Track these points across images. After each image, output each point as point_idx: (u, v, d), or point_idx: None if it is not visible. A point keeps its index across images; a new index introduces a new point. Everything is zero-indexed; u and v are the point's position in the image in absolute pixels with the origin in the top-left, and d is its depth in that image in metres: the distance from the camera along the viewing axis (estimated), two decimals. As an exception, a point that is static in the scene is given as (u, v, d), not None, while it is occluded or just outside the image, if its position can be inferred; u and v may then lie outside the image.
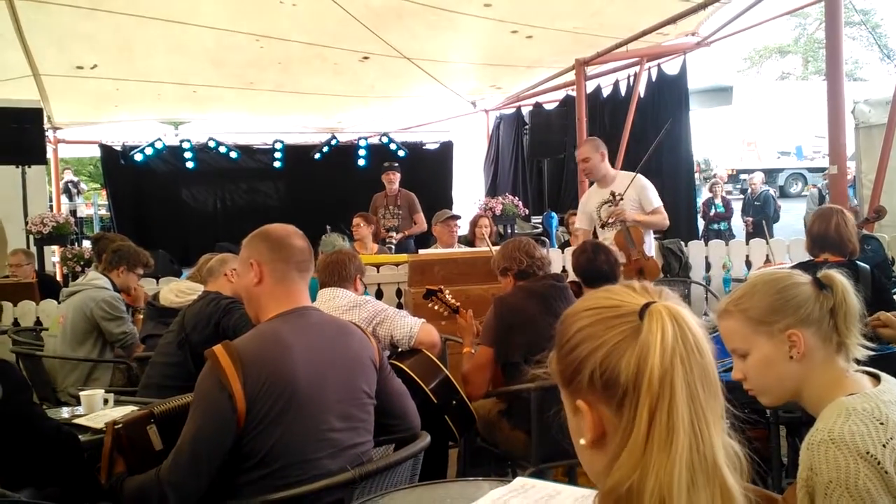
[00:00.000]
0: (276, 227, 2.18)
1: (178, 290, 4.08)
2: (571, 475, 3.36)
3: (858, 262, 3.24)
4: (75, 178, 14.84)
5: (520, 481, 1.70)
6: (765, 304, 1.55)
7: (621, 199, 4.67)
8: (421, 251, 5.79)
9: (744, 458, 0.93)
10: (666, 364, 0.87)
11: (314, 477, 1.95)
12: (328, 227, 4.86)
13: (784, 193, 19.18)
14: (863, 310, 1.56)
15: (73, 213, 12.83)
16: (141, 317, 4.51)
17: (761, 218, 11.00)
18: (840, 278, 1.52)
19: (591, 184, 5.16)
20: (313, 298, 3.24)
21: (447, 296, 3.61)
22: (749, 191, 12.78)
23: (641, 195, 4.77)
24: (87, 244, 11.49)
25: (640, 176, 4.81)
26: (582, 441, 0.96)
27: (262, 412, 1.90)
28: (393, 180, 7.46)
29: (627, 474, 0.86)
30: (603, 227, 4.86)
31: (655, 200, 4.78)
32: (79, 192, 14.69)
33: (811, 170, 19.59)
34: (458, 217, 6.46)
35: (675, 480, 0.84)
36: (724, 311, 1.61)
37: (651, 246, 4.99)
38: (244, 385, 1.88)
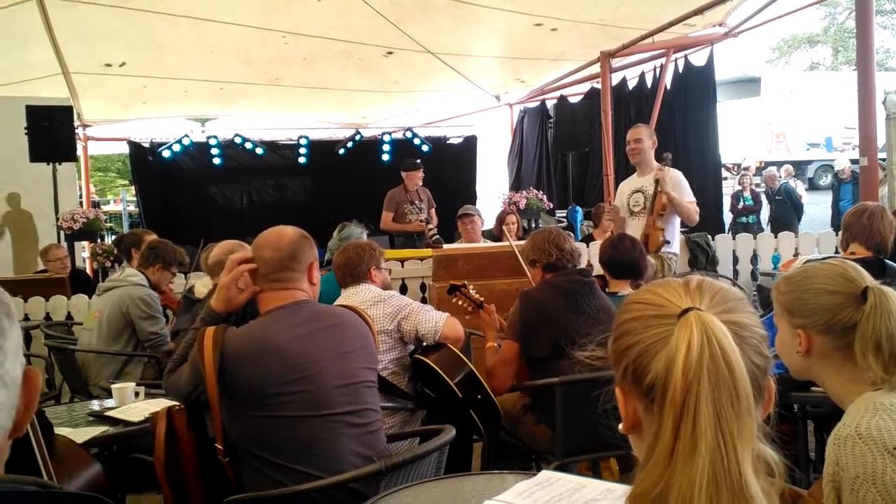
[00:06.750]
0: (261, 237, 2.28)
1: (211, 284, 4.11)
2: (596, 469, 3.36)
3: (887, 261, 3.18)
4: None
5: (545, 475, 1.71)
6: (790, 298, 1.60)
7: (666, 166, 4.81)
8: (445, 246, 5.80)
9: (780, 465, 0.91)
10: (690, 377, 0.86)
11: (332, 457, 2.06)
12: (354, 221, 4.90)
13: (813, 185, 18.89)
14: None
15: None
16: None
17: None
18: (887, 302, 1.47)
19: (617, 179, 5.18)
20: (336, 293, 3.28)
21: (471, 291, 3.60)
22: (766, 186, 12.50)
23: (676, 187, 4.82)
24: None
25: (679, 172, 4.88)
26: (619, 426, 0.98)
27: (249, 400, 2.06)
28: (420, 177, 7.49)
29: (654, 483, 0.86)
30: (631, 215, 4.89)
31: (688, 195, 4.84)
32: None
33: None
34: (470, 215, 6.41)
35: (695, 496, 0.83)
36: (774, 285, 1.68)
37: (676, 240, 4.99)
38: (219, 376, 2.03)
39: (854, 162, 12.03)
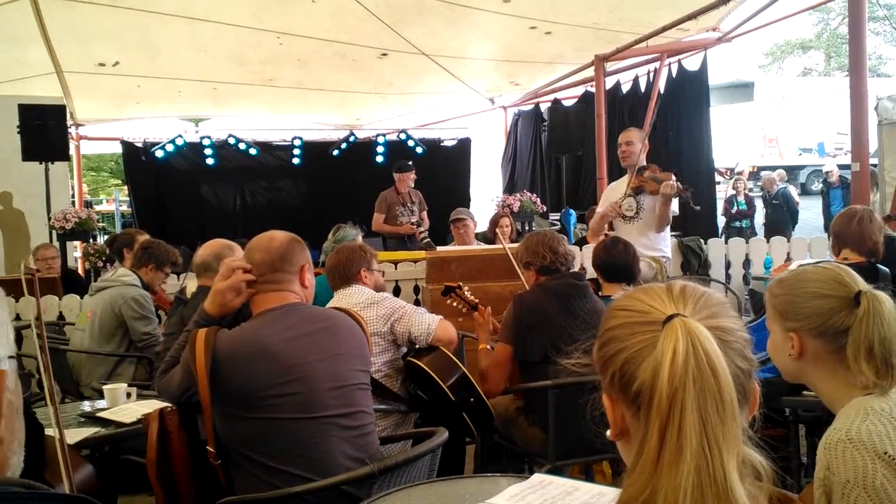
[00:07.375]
0: (253, 241, 2.30)
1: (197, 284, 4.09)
2: (588, 472, 3.37)
3: (879, 266, 3.20)
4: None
5: (537, 478, 1.71)
6: (783, 301, 1.60)
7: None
8: (439, 248, 5.79)
9: (768, 469, 0.92)
10: (675, 384, 0.86)
11: (324, 460, 2.06)
12: (349, 222, 4.91)
13: (806, 191, 18.97)
14: None
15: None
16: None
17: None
18: (880, 307, 1.48)
19: (610, 180, 5.19)
20: (330, 295, 3.27)
21: (466, 292, 3.60)
22: (764, 191, 12.53)
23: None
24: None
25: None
26: (607, 432, 0.98)
27: (241, 403, 2.06)
28: (412, 179, 7.49)
29: (641, 489, 0.86)
30: (623, 219, 4.91)
31: (674, 206, 4.84)
32: None
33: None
34: (463, 219, 6.41)
35: (680, 502, 0.83)
36: (767, 288, 1.68)
37: (668, 244, 5.03)
38: (210, 378, 2.04)
39: (843, 167, 12.11)
